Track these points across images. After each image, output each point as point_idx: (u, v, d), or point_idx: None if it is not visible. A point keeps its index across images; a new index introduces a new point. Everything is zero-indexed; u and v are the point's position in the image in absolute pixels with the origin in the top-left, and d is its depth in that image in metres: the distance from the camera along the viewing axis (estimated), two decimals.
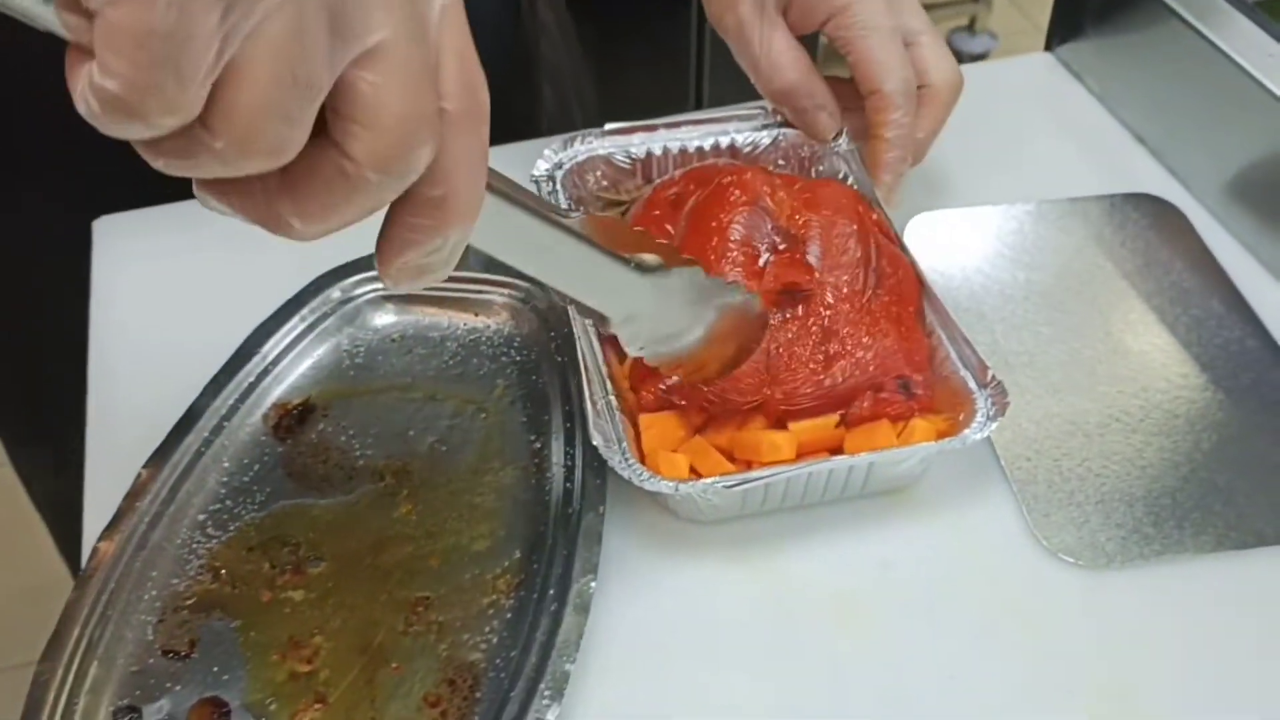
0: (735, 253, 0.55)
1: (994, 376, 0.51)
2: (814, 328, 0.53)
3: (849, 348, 0.53)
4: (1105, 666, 0.48)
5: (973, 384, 0.52)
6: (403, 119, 0.30)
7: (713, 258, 0.54)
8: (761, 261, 0.55)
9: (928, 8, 0.64)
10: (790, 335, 0.53)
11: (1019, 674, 0.48)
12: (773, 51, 0.61)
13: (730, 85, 0.74)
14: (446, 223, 0.33)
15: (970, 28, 2.27)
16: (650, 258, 0.46)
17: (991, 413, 0.50)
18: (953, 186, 0.69)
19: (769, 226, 0.56)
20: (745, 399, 0.52)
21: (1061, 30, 0.76)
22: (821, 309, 0.54)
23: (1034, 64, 0.78)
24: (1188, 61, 0.65)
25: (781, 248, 0.55)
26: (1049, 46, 0.77)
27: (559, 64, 0.86)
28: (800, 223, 0.56)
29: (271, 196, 0.31)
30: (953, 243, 0.66)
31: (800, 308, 0.54)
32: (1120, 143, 0.72)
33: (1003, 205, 0.67)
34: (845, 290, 0.54)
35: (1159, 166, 0.69)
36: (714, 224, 0.56)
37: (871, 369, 0.53)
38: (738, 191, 0.57)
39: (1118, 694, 0.47)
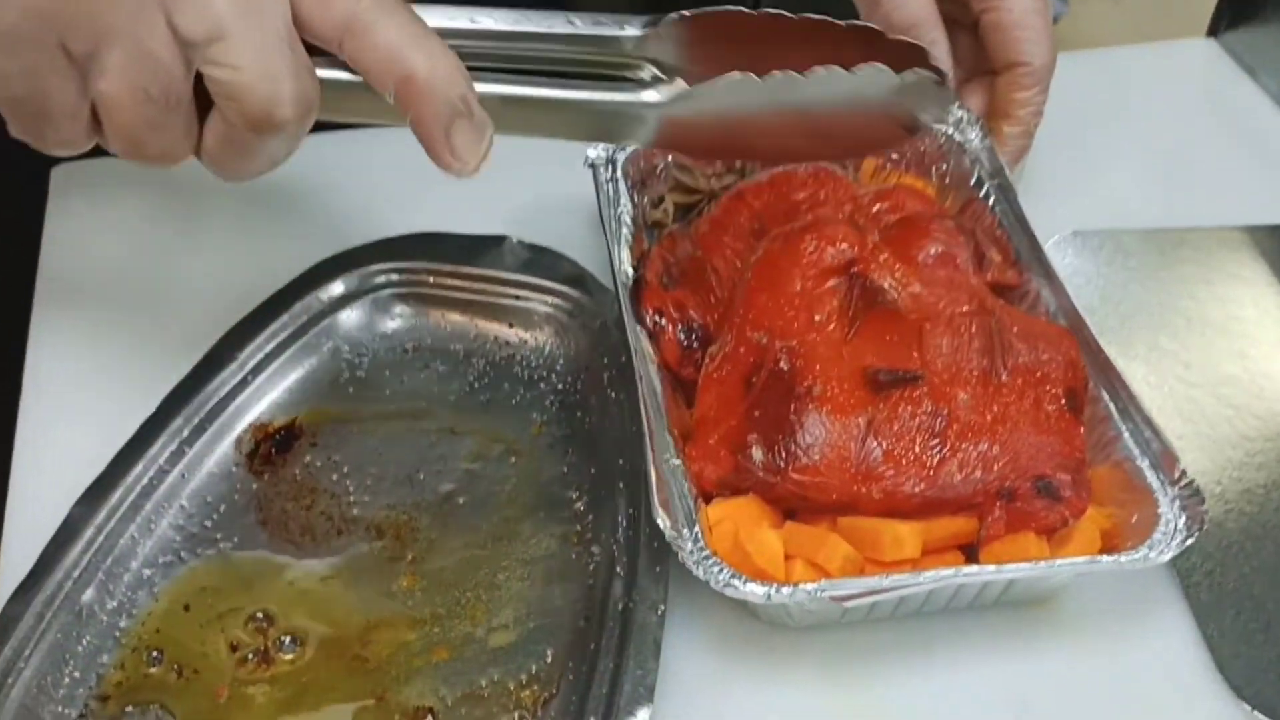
0: (813, 334, 0.43)
1: (1184, 473, 0.39)
2: (922, 415, 0.41)
3: (969, 440, 0.41)
4: None
5: (1153, 479, 0.40)
6: (254, 88, 0.35)
7: (784, 328, 0.43)
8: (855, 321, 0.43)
9: None
10: (890, 422, 0.41)
11: None
12: None
13: None
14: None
15: None
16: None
17: (1182, 525, 0.38)
18: (1089, 201, 0.56)
19: (857, 292, 0.43)
20: (828, 496, 0.40)
21: (1230, 13, 0.63)
22: (931, 396, 0.41)
23: (1193, 51, 0.65)
24: None
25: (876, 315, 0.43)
26: (1213, 31, 0.64)
27: None
28: (900, 285, 0.44)
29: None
30: (1098, 272, 0.53)
31: (903, 391, 0.42)
32: None
33: (1153, 227, 0.55)
34: (961, 376, 0.42)
35: None
36: (789, 289, 0.44)
37: (999, 465, 0.41)
38: (816, 243, 0.44)
39: None
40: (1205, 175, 0.58)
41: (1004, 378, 0.42)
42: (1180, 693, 0.40)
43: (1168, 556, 0.38)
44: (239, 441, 0.45)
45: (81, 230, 0.53)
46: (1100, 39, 0.89)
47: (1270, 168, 0.58)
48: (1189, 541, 0.38)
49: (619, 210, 0.48)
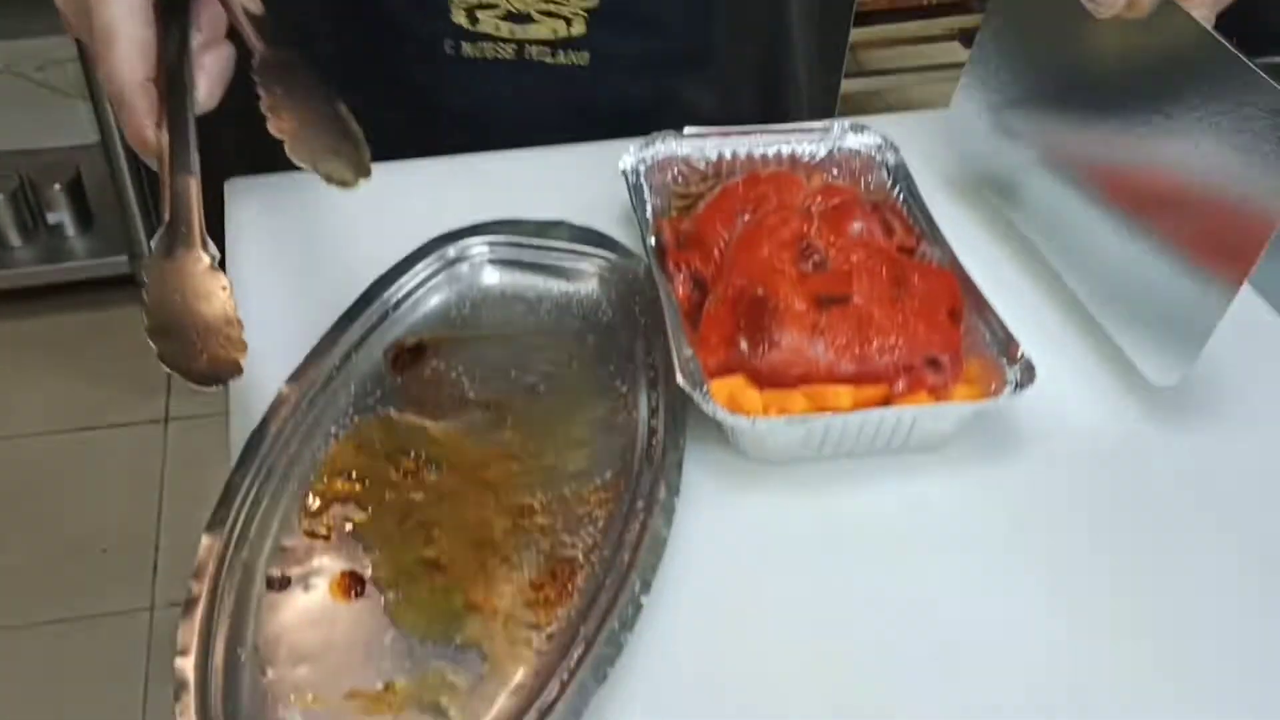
0: (778, 277, 0.63)
1: (1023, 354, 0.60)
2: (851, 321, 0.62)
3: (882, 334, 0.62)
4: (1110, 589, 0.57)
5: (1002, 361, 0.61)
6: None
7: (758, 276, 0.63)
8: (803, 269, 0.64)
9: None
10: (831, 326, 0.62)
11: (1040, 588, 0.57)
12: None
13: None
14: None
15: None
16: None
17: (1020, 380, 0.59)
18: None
19: (808, 250, 0.65)
20: (791, 372, 0.61)
21: None
22: (857, 310, 0.62)
23: None
24: None
25: (817, 264, 0.64)
26: None
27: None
28: (834, 249, 0.65)
29: None
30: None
31: (839, 306, 0.63)
32: None
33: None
34: (877, 297, 0.63)
35: None
36: (761, 252, 0.64)
37: (901, 349, 0.61)
38: (778, 223, 0.66)
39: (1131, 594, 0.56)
40: None
41: (905, 301, 0.63)
42: (1026, 500, 0.61)
43: (1012, 400, 0.59)
44: (385, 353, 0.65)
45: (259, 217, 0.74)
46: None
47: None
48: (1023, 391, 0.59)
49: (645, 200, 0.69)
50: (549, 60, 0.80)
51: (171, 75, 0.54)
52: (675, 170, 0.74)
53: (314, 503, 0.57)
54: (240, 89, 0.59)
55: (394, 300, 0.66)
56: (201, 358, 0.48)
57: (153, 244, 0.50)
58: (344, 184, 0.55)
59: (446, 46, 0.78)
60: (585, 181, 0.74)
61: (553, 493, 0.59)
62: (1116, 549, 0.59)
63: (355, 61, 0.78)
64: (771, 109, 0.90)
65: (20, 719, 1.53)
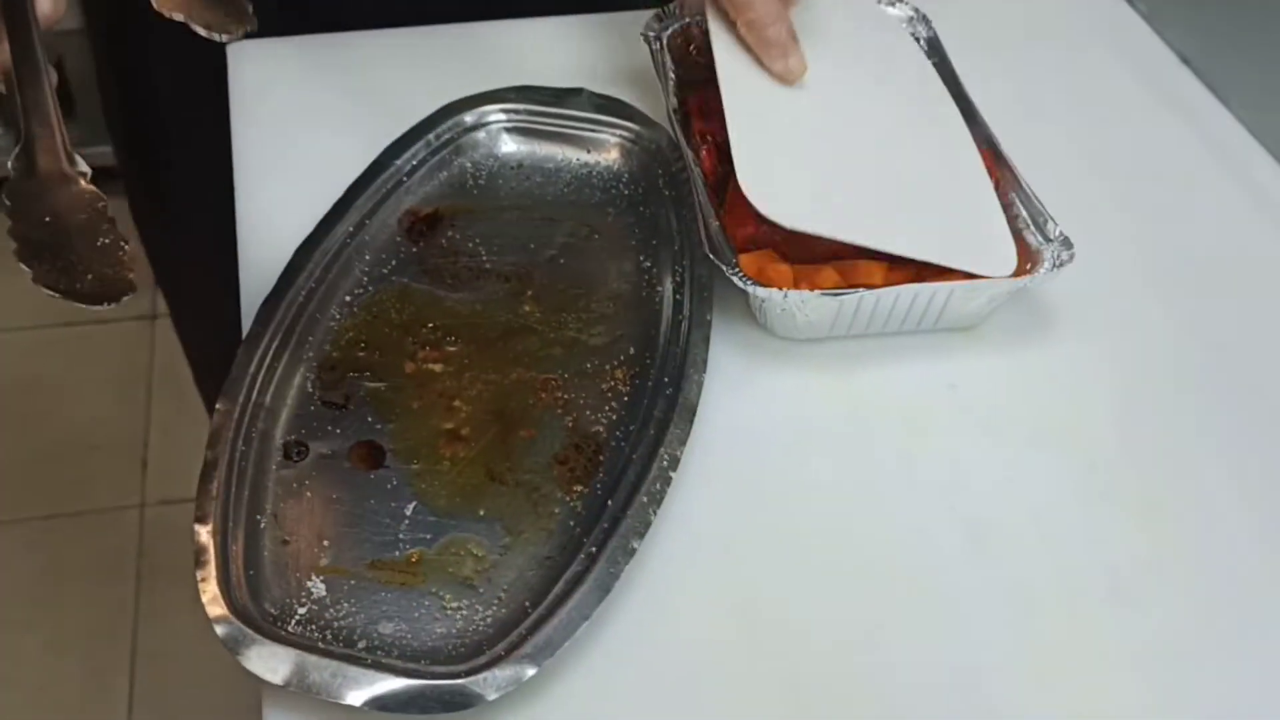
0: None
1: (1060, 231, 0.58)
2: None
3: None
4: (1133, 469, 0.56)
5: (1039, 238, 0.59)
6: None
7: None
8: None
9: None
10: None
11: (1068, 478, 0.55)
12: None
13: None
14: None
15: None
16: None
17: (1057, 259, 0.57)
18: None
19: None
20: (821, 245, 0.59)
21: None
22: None
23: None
24: None
25: None
26: None
27: None
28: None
29: None
30: None
31: None
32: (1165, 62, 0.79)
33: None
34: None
35: (1201, 86, 0.76)
36: None
37: None
38: None
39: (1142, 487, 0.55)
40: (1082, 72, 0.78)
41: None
42: (1058, 381, 0.59)
43: (1048, 281, 0.57)
44: (400, 221, 0.62)
45: (264, 81, 0.71)
46: None
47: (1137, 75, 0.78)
48: (1058, 271, 0.57)
49: (667, 68, 0.67)
50: None
51: None
52: (699, 37, 0.71)
53: (330, 372, 0.55)
54: None
55: (407, 168, 0.64)
56: (86, 278, 0.45)
57: (9, 164, 0.47)
58: (225, 33, 0.52)
59: None
60: (603, 50, 0.71)
61: (575, 367, 0.57)
62: (1150, 435, 0.58)
63: None
64: None
65: (10, 614, 1.52)
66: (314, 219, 0.60)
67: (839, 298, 0.56)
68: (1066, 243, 0.58)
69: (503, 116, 0.66)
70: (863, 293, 0.56)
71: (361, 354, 0.56)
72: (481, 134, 0.66)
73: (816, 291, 0.56)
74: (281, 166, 0.65)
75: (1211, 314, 0.63)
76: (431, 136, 0.65)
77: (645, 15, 0.69)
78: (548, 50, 0.73)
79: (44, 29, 0.49)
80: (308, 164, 0.65)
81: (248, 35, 0.53)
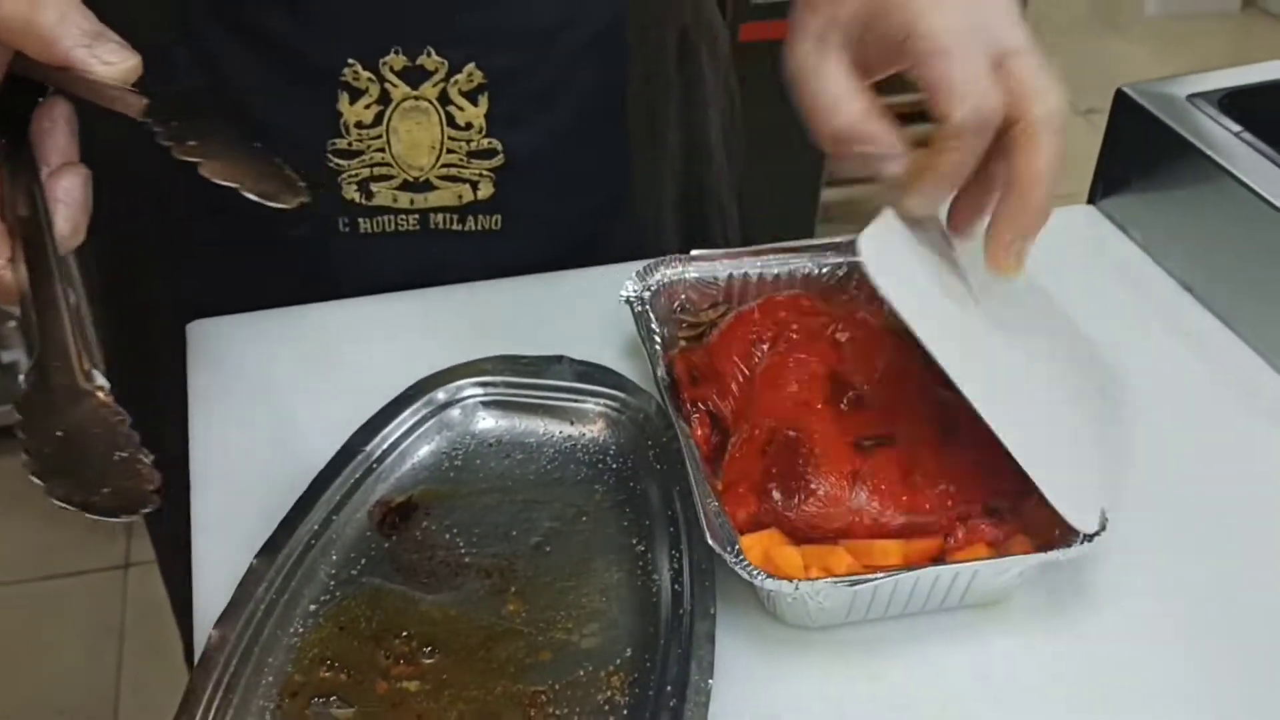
0: (810, 416, 0.57)
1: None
2: (895, 465, 0.55)
3: (932, 480, 0.55)
4: None
5: None
6: None
7: (787, 415, 0.57)
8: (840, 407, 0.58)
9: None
10: (873, 472, 0.55)
11: None
12: (824, 90, 0.52)
13: None
14: None
15: None
16: None
17: (1090, 532, 0.52)
18: None
19: (842, 385, 0.58)
20: (831, 525, 0.54)
21: (1105, 184, 0.81)
22: (900, 452, 0.56)
23: (1076, 216, 0.82)
24: (1235, 214, 0.70)
25: (854, 402, 0.58)
26: (1091, 200, 0.82)
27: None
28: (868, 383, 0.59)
29: None
30: None
31: (879, 451, 0.56)
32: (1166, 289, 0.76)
33: None
34: (923, 438, 0.56)
35: (1206, 312, 0.73)
36: (789, 389, 0.58)
37: (954, 497, 0.55)
38: (806, 356, 0.60)
39: None
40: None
41: (955, 440, 0.56)
42: (1099, 664, 0.54)
43: (1079, 554, 0.52)
44: (370, 513, 0.57)
45: (226, 360, 0.67)
46: None
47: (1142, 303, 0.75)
48: (1088, 544, 0.52)
49: (653, 330, 0.63)
50: (457, 228, 0.71)
51: (26, 214, 0.49)
52: (683, 295, 0.67)
53: (293, 699, 0.49)
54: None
55: (377, 453, 0.59)
56: (102, 490, 0.43)
57: (21, 382, 0.46)
58: (283, 204, 0.50)
59: (341, 225, 0.70)
60: (583, 313, 0.68)
61: (567, 675, 0.51)
62: (1201, 712, 0.52)
63: (241, 244, 0.68)
64: (694, 238, 0.81)
65: None
66: (275, 519, 0.55)
67: (854, 585, 0.51)
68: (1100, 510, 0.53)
69: (479, 390, 0.62)
70: (880, 578, 0.51)
71: (328, 674, 0.50)
72: (457, 411, 0.61)
73: (830, 580, 0.50)
74: (240, 457, 0.61)
75: (1267, 575, 0.58)
76: (404, 416, 0.60)
77: (629, 268, 0.65)
78: (521, 315, 0.70)
79: (62, 253, 0.49)
80: (269, 453, 0.61)
81: (303, 207, 0.50)
